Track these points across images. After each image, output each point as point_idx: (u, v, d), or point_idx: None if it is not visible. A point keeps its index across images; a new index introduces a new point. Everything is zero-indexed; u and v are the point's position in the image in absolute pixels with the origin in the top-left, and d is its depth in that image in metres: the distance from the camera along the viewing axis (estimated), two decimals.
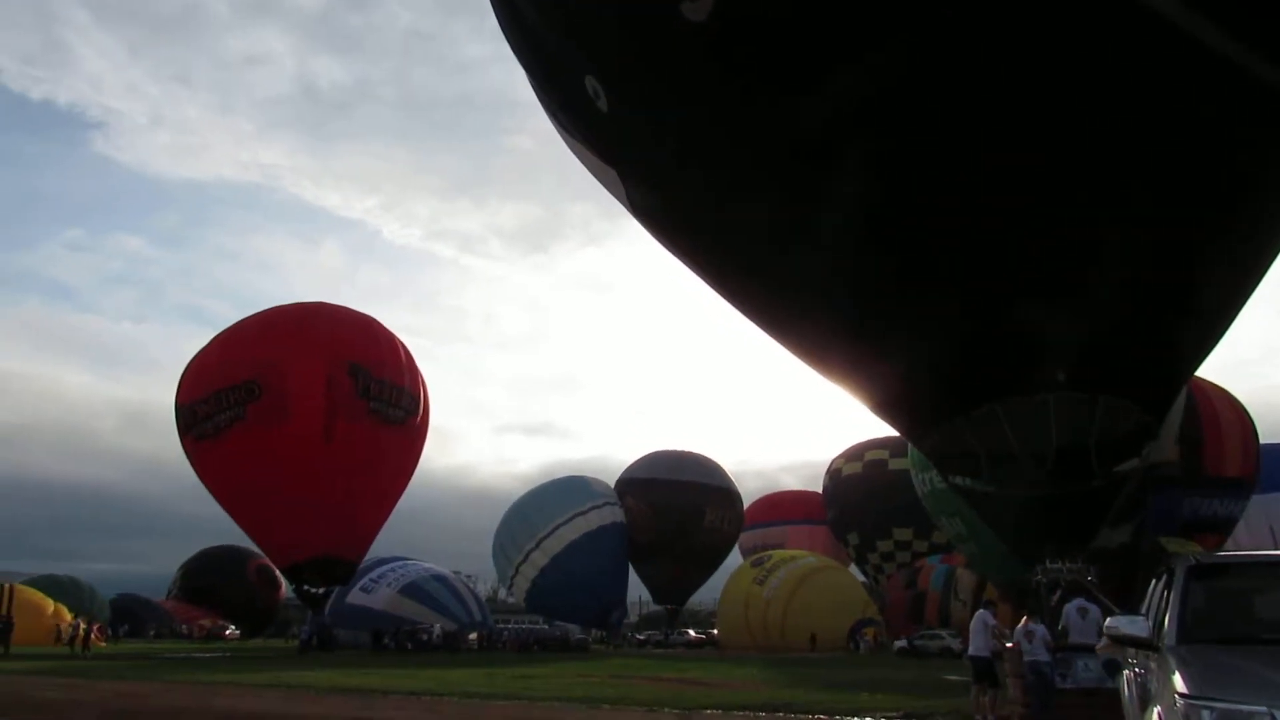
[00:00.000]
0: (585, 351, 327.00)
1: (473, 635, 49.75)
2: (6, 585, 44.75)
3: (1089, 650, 12.98)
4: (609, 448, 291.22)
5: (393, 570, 52.64)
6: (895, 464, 54.42)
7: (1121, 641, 5.89)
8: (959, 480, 16.17)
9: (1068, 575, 14.95)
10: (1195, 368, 16.54)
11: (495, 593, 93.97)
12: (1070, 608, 13.73)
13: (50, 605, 47.16)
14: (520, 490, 65.76)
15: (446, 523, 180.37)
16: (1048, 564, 15.11)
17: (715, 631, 61.88)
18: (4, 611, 38.73)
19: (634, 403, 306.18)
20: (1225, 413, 32.41)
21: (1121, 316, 13.05)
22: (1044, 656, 12.74)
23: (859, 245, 12.93)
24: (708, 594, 72.47)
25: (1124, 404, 13.97)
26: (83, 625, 42.12)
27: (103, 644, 44.32)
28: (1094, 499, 14.97)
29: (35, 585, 52.38)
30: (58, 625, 44.68)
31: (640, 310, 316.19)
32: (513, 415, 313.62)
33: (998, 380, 13.96)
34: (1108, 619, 6.42)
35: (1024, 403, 13.83)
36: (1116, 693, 7.75)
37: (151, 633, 62.29)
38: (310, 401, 40.22)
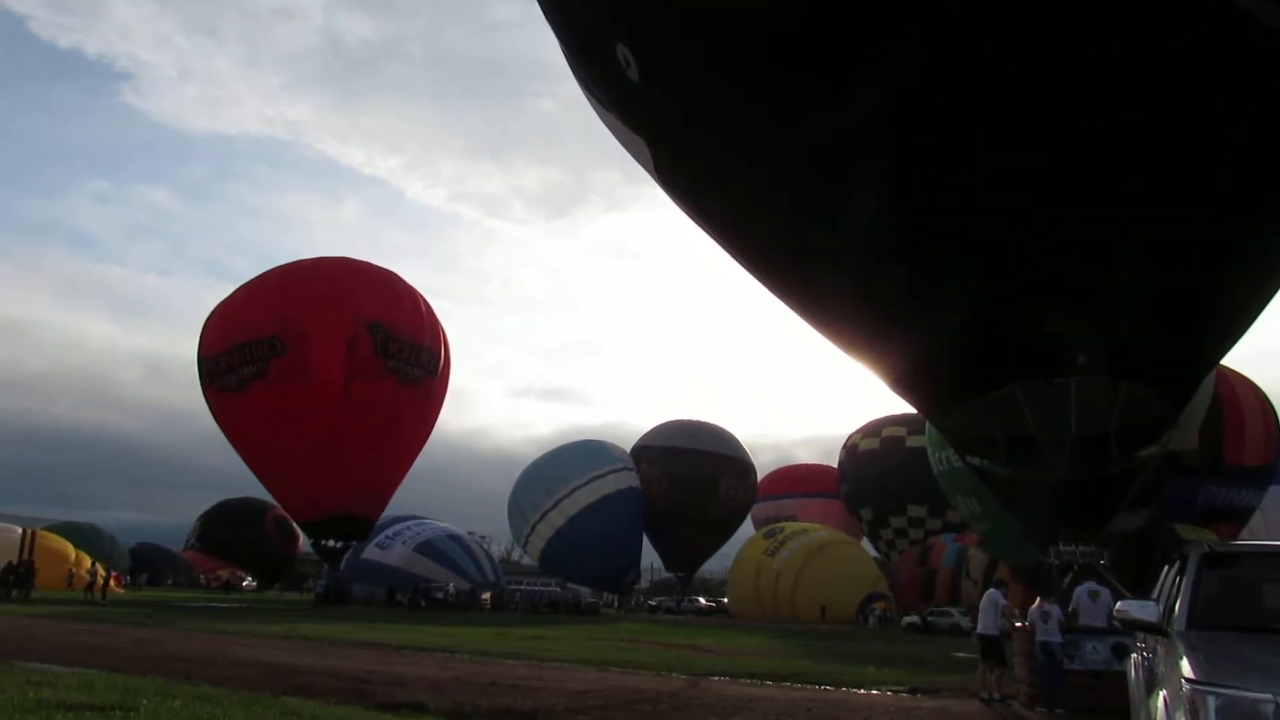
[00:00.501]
0: (605, 318, 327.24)
1: (485, 595, 50.32)
2: (28, 530, 45.45)
3: (1098, 633, 13.03)
4: (625, 414, 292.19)
5: (409, 528, 53.22)
6: (913, 441, 54.31)
7: (1130, 626, 5.91)
8: (975, 461, 16.13)
9: (1080, 558, 14.94)
10: (1220, 356, 16.39)
11: (508, 554, 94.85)
12: (1081, 590, 13.74)
13: (71, 551, 47.91)
14: (536, 454, 66.18)
15: (462, 484, 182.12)
16: (1061, 546, 15.09)
17: (725, 600, 62.37)
18: (26, 556, 39.36)
19: (651, 370, 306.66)
20: (1248, 401, 32.12)
21: (1146, 303, 12.92)
22: (1057, 638, 12.79)
23: (886, 219, 12.81)
24: (719, 563, 72.93)
25: (1146, 391, 13.86)
26: (101, 572, 42.89)
27: (121, 591, 45.10)
28: (1111, 485, 14.91)
29: (57, 531, 53.21)
30: (70, 571, 45.22)
31: (661, 278, 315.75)
32: (530, 379, 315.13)
33: (1018, 362, 13.88)
34: (1118, 603, 6.44)
35: (1044, 386, 13.75)
36: (1123, 676, 7.78)
37: (169, 582, 63.38)
38: (331, 360, 40.46)
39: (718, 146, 13.19)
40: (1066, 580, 14.68)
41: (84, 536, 55.32)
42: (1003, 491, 16.65)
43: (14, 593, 34.64)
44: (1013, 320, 13.42)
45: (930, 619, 42.07)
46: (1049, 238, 12.20)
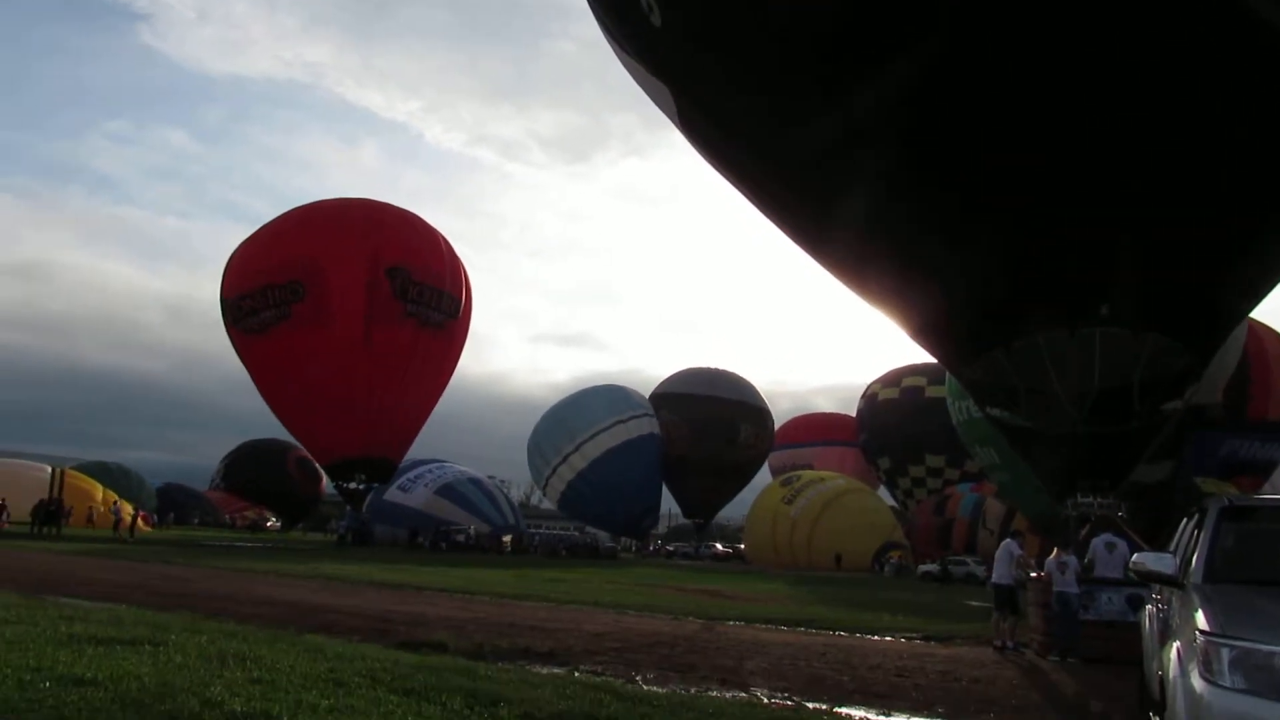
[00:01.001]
0: (623, 264, 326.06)
1: (505, 538, 50.96)
2: (57, 470, 46.17)
3: (1114, 584, 13.06)
4: (642, 362, 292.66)
5: (430, 471, 53.81)
6: (932, 391, 54.11)
7: (1147, 578, 5.92)
8: (995, 412, 16.07)
9: (1098, 510, 14.93)
10: (1249, 309, 16.17)
11: (527, 498, 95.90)
12: (1098, 542, 13.74)
13: (99, 490, 48.71)
14: (554, 400, 66.38)
15: (480, 429, 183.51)
16: (1078, 498, 15.08)
17: (742, 546, 62.91)
18: (55, 495, 40.07)
19: (669, 318, 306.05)
20: (1276, 353, 31.72)
21: (1172, 253, 12.71)
22: (1073, 589, 12.83)
23: (908, 168, 12.67)
24: (735, 510, 73.44)
25: (1171, 343, 13.71)
26: (128, 510, 43.66)
27: (149, 530, 45.94)
28: (1132, 439, 14.84)
29: (85, 471, 54.10)
30: (90, 509, 45.56)
31: (680, 225, 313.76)
32: (548, 325, 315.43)
33: (1041, 312, 13.72)
34: (1135, 554, 6.44)
35: (1067, 337, 13.62)
36: (1137, 627, 7.81)
37: (195, 521, 64.48)
38: (351, 305, 40.66)
39: (740, 93, 13.00)
40: (1084, 531, 14.70)
41: (112, 476, 56.23)
42: (1021, 442, 16.61)
43: (46, 529, 35.36)
44: (1035, 269, 13.26)
45: (944, 568, 42.28)
46: (1074, 184, 11.99)
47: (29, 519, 36.21)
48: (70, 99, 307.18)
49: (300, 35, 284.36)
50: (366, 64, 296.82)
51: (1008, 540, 14.65)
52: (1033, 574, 14.26)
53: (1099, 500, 14.89)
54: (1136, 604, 11.47)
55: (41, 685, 5.78)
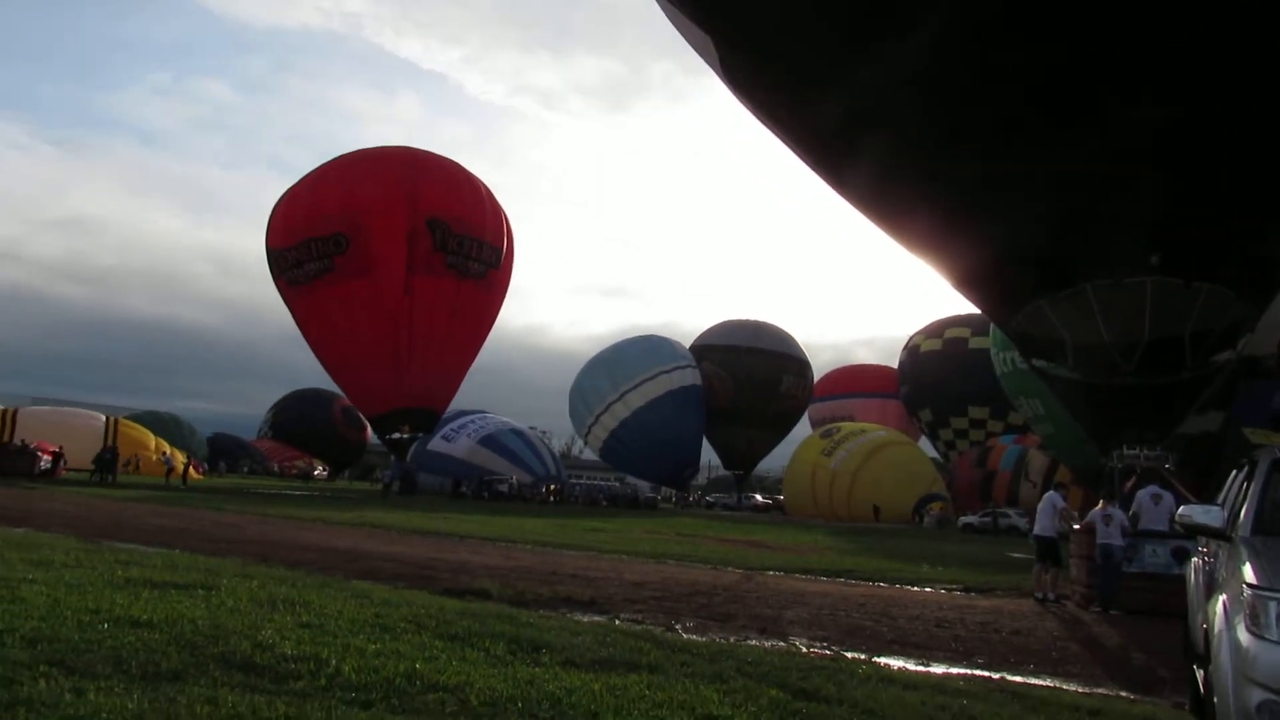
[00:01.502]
0: (661, 214, 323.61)
1: (546, 488, 51.52)
2: (110, 418, 47.31)
3: (1159, 536, 12.93)
4: (680, 314, 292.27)
5: (473, 422, 54.44)
6: (976, 342, 53.47)
7: (1194, 531, 5.84)
8: (1040, 364, 15.83)
9: (1144, 462, 14.73)
10: None
11: (568, 449, 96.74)
12: (1144, 494, 13.58)
13: (152, 439, 49.82)
14: (593, 351, 66.61)
15: (520, 379, 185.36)
16: (1125, 450, 14.87)
17: (781, 498, 63.10)
18: (110, 444, 41.15)
19: (708, 269, 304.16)
20: None
21: (1225, 200, 12.32)
22: (1118, 541, 12.74)
23: (952, 112, 12.35)
24: (774, 461, 73.58)
25: (1224, 293, 13.36)
26: (180, 459, 44.73)
27: (200, 478, 47.09)
28: (1181, 390, 14.56)
29: (138, 420, 55.36)
30: (137, 456, 45.68)
31: (719, 175, 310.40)
32: (586, 277, 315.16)
33: (1089, 260, 13.39)
34: (1181, 507, 6.35)
35: (1116, 286, 13.33)
36: (1182, 580, 7.73)
37: (245, 470, 65.96)
38: (392, 256, 40.82)
39: (783, 43, 12.71)
40: (1129, 483, 14.52)
41: (164, 425, 57.52)
42: (1067, 394, 16.37)
43: (107, 477, 36.40)
44: (1083, 216, 12.93)
45: (985, 520, 42.10)
46: (1123, 129, 11.62)
47: (91, 467, 37.26)
48: (113, 52, 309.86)
49: None
50: (405, 14, 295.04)
51: (1051, 492, 14.55)
52: (1075, 526, 14.16)
53: (1146, 452, 14.67)
54: (1181, 556, 11.38)
55: (100, 627, 5.99)
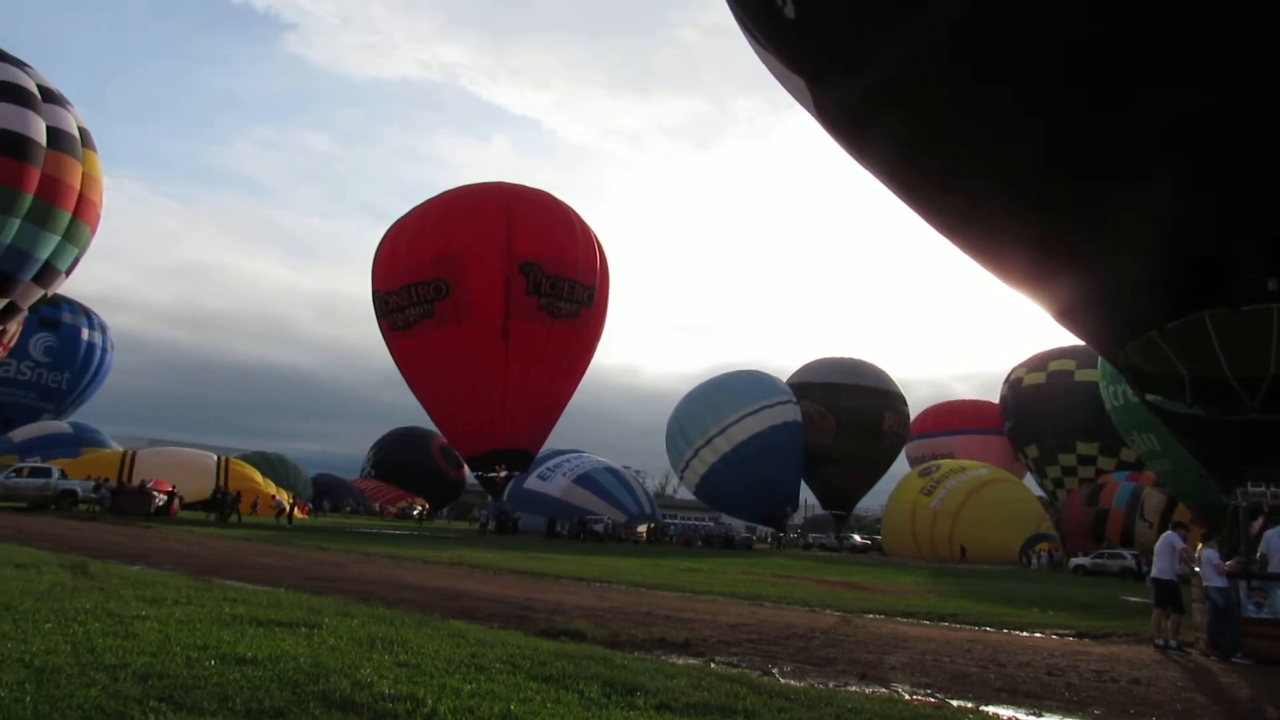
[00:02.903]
0: (748, 251, 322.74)
1: (641, 528, 51.40)
2: (222, 458, 48.89)
3: None
4: (766, 351, 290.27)
5: (568, 460, 54.82)
6: (1081, 375, 51.81)
7: None
8: (1155, 398, 15.12)
9: (1272, 500, 13.88)
10: None
11: (662, 488, 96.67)
12: (1273, 534, 12.78)
13: (259, 478, 51.33)
14: (684, 390, 66.63)
15: (611, 418, 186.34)
16: (1249, 488, 14.04)
17: (879, 538, 61.69)
18: (223, 484, 42.79)
19: (794, 306, 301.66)
20: None
21: None
22: (1216, 582, 12.04)
23: (1051, 130, 11.85)
24: (872, 500, 72.18)
25: None
26: (287, 500, 46.17)
27: (305, 518, 48.40)
28: None
29: (248, 461, 57.44)
30: (255, 497, 46.62)
31: (805, 212, 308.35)
32: (675, 315, 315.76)
33: (1205, 286, 12.71)
34: None
35: (1235, 314, 12.64)
36: None
37: (348, 509, 67.69)
38: (489, 301, 41.73)
39: (876, 83, 12.55)
40: (1258, 524, 13.70)
41: (272, 466, 59.47)
42: (1185, 429, 15.60)
43: (230, 517, 37.94)
44: (1194, 241, 12.31)
45: (1098, 561, 40.27)
46: (1236, 138, 11.00)
47: (215, 507, 39.01)
48: (222, 108, 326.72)
49: (437, 36, 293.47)
50: (500, 62, 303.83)
51: (1169, 532, 13.82)
52: (1196, 569, 13.40)
53: (1273, 490, 13.83)
54: None
55: (207, 663, 6.15)
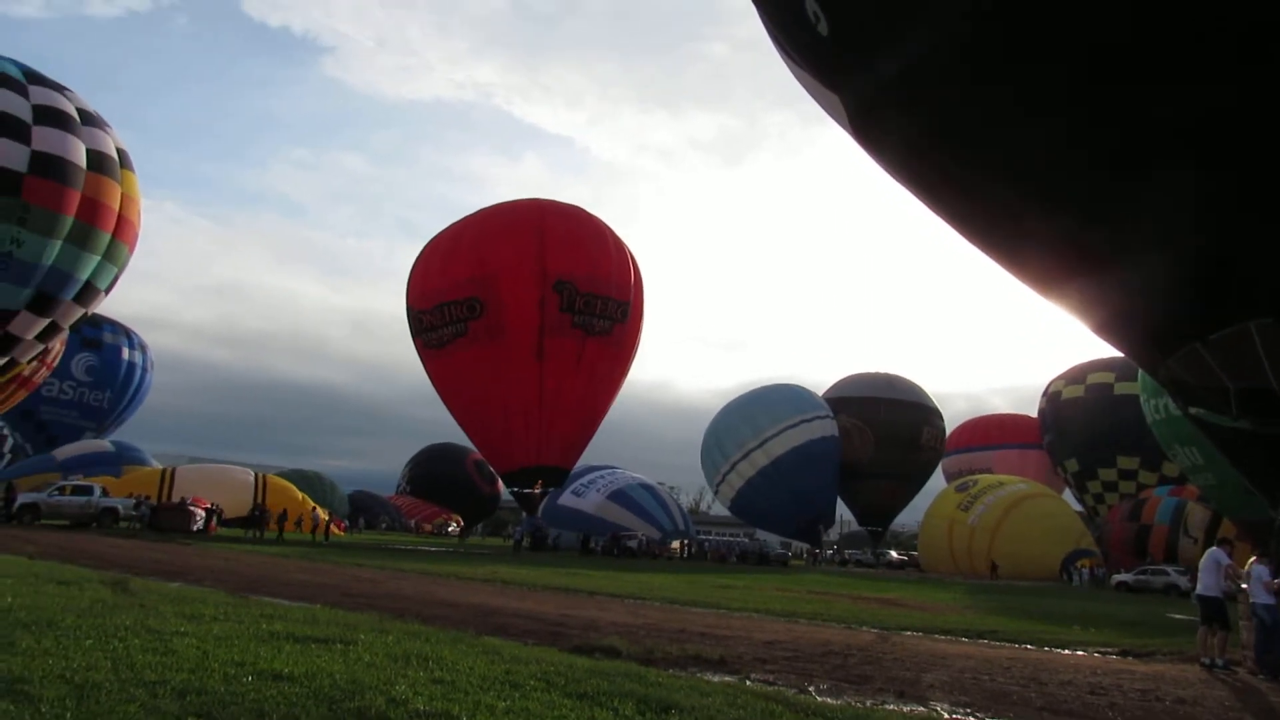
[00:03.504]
0: (778, 266, 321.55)
1: (675, 544, 51.21)
2: (260, 475, 49.21)
3: None
4: (798, 366, 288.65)
5: (602, 477, 54.82)
6: (1121, 388, 51.07)
7: None
8: (1198, 411, 14.80)
9: None
10: None
11: (696, 504, 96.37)
12: None
13: (299, 495, 51.66)
14: (717, 405, 66.45)
15: (644, 434, 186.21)
16: None
17: (916, 554, 61.02)
18: (261, 500, 43.25)
19: (825, 320, 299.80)
20: None
21: None
22: (1263, 599, 11.77)
23: (1087, 136, 11.64)
24: (908, 515, 71.44)
25: None
26: (324, 516, 46.53)
27: (341, 535, 48.69)
28: None
29: (286, 478, 57.94)
30: (289, 513, 45.83)
31: (835, 226, 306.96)
32: (707, 330, 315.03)
33: (1253, 294, 12.40)
34: None
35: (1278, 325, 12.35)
36: None
37: (383, 525, 68.11)
38: (523, 321, 41.74)
39: (912, 102, 12.48)
40: None
41: (309, 483, 59.98)
42: (1230, 442, 15.25)
43: (259, 533, 38.42)
44: (1235, 249, 12.03)
45: (1141, 578, 39.53)
46: (1268, 143, 10.73)
47: (253, 524, 39.61)
48: (260, 130, 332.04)
49: (471, 57, 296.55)
50: (533, 80, 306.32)
51: (1214, 549, 13.52)
52: (1243, 585, 13.10)
53: None
54: None
55: (245, 679, 6.20)
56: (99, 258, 34.42)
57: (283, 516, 41.11)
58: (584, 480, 53.25)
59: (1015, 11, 10.52)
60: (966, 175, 13.44)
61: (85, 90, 35.41)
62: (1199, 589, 13.12)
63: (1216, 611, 12.60)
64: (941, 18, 10.95)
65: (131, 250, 36.76)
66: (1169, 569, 39.60)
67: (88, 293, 34.93)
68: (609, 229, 46.47)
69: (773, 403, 60.11)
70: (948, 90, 12.08)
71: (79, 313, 35.71)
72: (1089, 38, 10.26)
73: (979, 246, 15.08)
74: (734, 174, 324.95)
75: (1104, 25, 10.11)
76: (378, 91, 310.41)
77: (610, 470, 56.65)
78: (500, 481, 56.22)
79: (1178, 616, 21.00)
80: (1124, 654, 13.80)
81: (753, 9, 14.78)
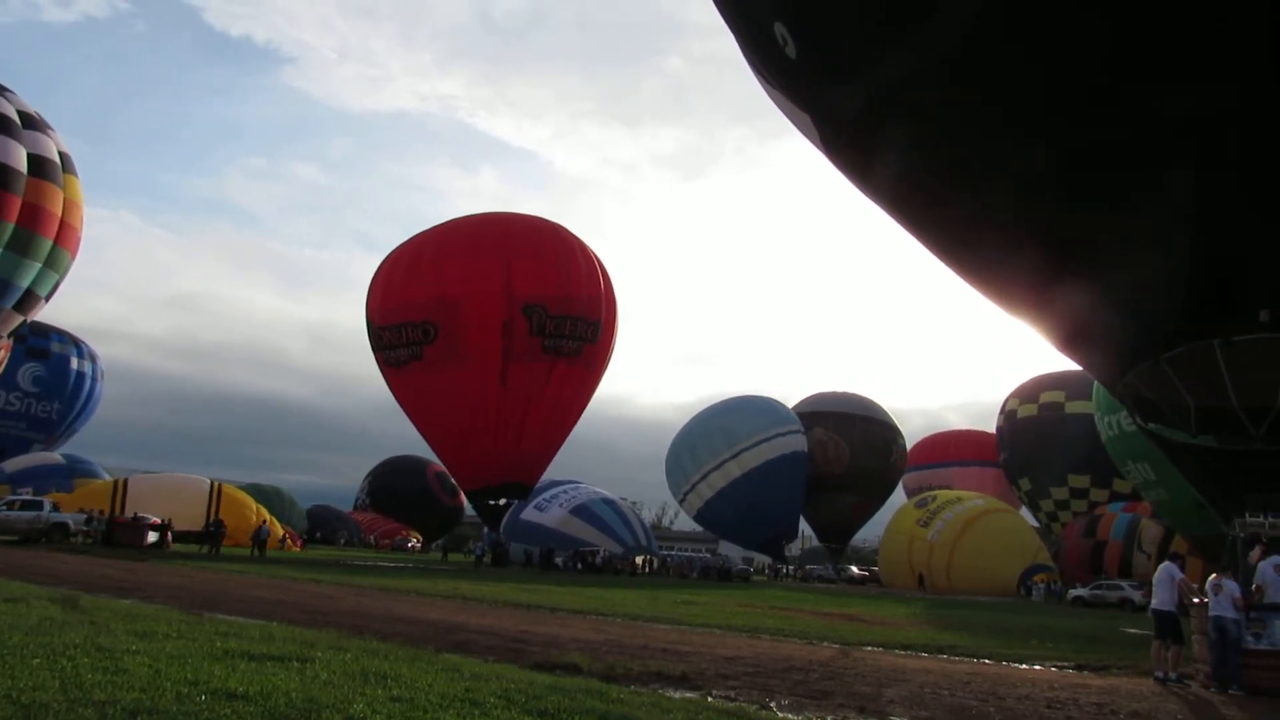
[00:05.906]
0: (740, 280, 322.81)
1: (638, 559, 51.09)
2: (215, 483, 47.47)
3: None
4: (760, 380, 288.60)
5: (565, 492, 54.54)
6: (1072, 407, 51.92)
7: None
8: (1156, 427, 15.05)
9: (1270, 531, 13.83)
10: None
11: (658, 519, 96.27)
12: (1267, 565, 12.71)
13: (254, 506, 50.34)
14: (679, 420, 66.61)
15: (608, 448, 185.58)
16: (1248, 517, 13.99)
17: (876, 569, 61.47)
18: (215, 514, 42.12)
19: (787, 334, 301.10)
20: None
21: None
22: (1230, 613, 11.96)
23: (1053, 152, 11.72)
24: (869, 531, 72.13)
25: None
26: (277, 530, 45.57)
27: (298, 550, 47.79)
28: None
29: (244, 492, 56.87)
30: (216, 525, 42.28)
31: (794, 240, 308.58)
32: (667, 344, 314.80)
33: (1213, 313, 12.59)
34: None
35: (1243, 343, 12.54)
36: None
37: (342, 541, 67.19)
38: (487, 346, 40.75)
39: (878, 120, 12.62)
40: (1254, 554, 13.63)
41: (266, 497, 58.99)
42: (1184, 458, 15.54)
43: (215, 549, 37.57)
44: (1202, 268, 12.23)
45: (1096, 592, 40.17)
46: (1241, 174, 10.95)
47: (208, 539, 38.79)
48: (218, 140, 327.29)
49: (435, 69, 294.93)
50: (498, 93, 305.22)
51: (1167, 563, 13.75)
52: (1196, 600, 13.32)
53: (1271, 520, 13.78)
54: None
55: (198, 699, 6.06)
56: (40, 265, 33.71)
57: (213, 529, 39.56)
58: (546, 495, 52.95)
59: (997, 29, 10.63)
60: (937, 191, 13.63)
61: (37, 97, 34.80)
62: (1153, 604, 13.32)
63: (1170, 626, 12.79)
64: (909, 46, 11.11)
65: (74, 256, 36.03)
66: (1123, 584, 40.23)
67: (28, 300, 34.19)
68: (578, 240, 45.72)
69: (749, 414, 60.24)
70: (917, 109, 12.27)
71: (18, 320, 34.99)
72: (1066, 50, 10.40)
73: (945, 262, 15.28)
74: (694, 188, 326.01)
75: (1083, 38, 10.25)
76: (336, 101, 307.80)
77: (574, 485, 56.39)
78: (462, 494, 55.75)
79: (1132, 631, 21.31)
80: (1080, 668, 13.96)
81: (711, 25, 15.02)
